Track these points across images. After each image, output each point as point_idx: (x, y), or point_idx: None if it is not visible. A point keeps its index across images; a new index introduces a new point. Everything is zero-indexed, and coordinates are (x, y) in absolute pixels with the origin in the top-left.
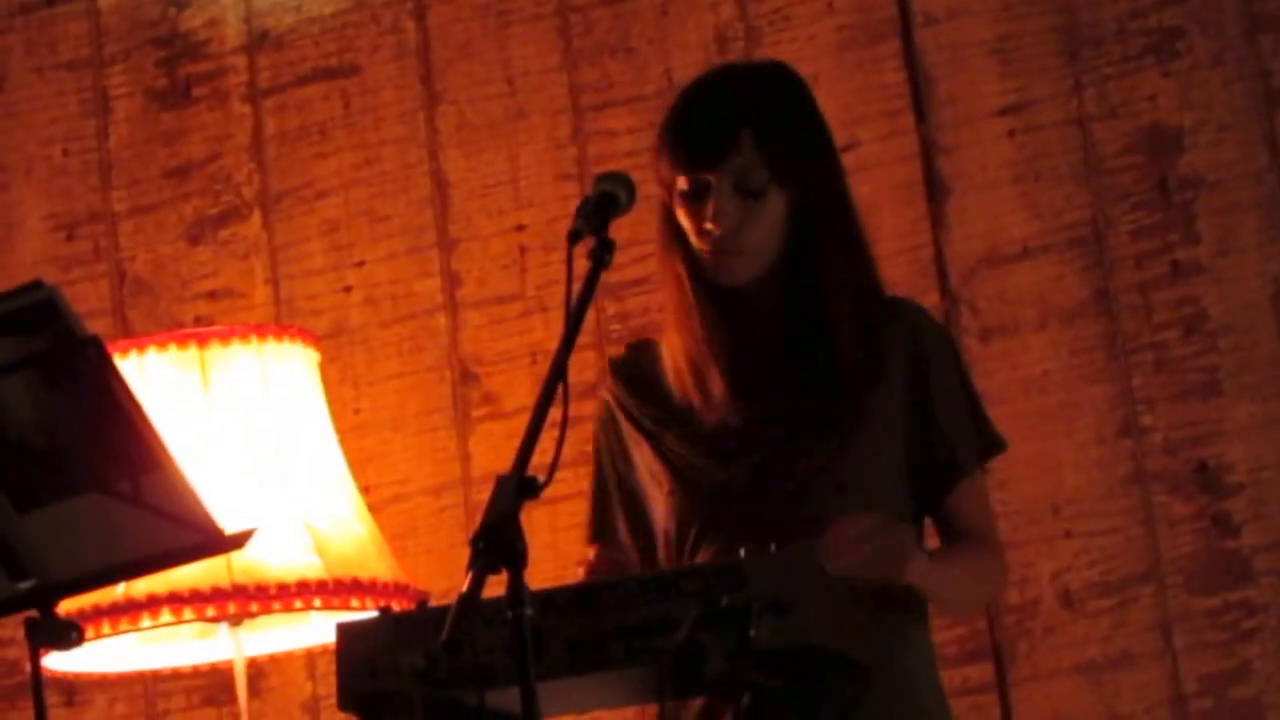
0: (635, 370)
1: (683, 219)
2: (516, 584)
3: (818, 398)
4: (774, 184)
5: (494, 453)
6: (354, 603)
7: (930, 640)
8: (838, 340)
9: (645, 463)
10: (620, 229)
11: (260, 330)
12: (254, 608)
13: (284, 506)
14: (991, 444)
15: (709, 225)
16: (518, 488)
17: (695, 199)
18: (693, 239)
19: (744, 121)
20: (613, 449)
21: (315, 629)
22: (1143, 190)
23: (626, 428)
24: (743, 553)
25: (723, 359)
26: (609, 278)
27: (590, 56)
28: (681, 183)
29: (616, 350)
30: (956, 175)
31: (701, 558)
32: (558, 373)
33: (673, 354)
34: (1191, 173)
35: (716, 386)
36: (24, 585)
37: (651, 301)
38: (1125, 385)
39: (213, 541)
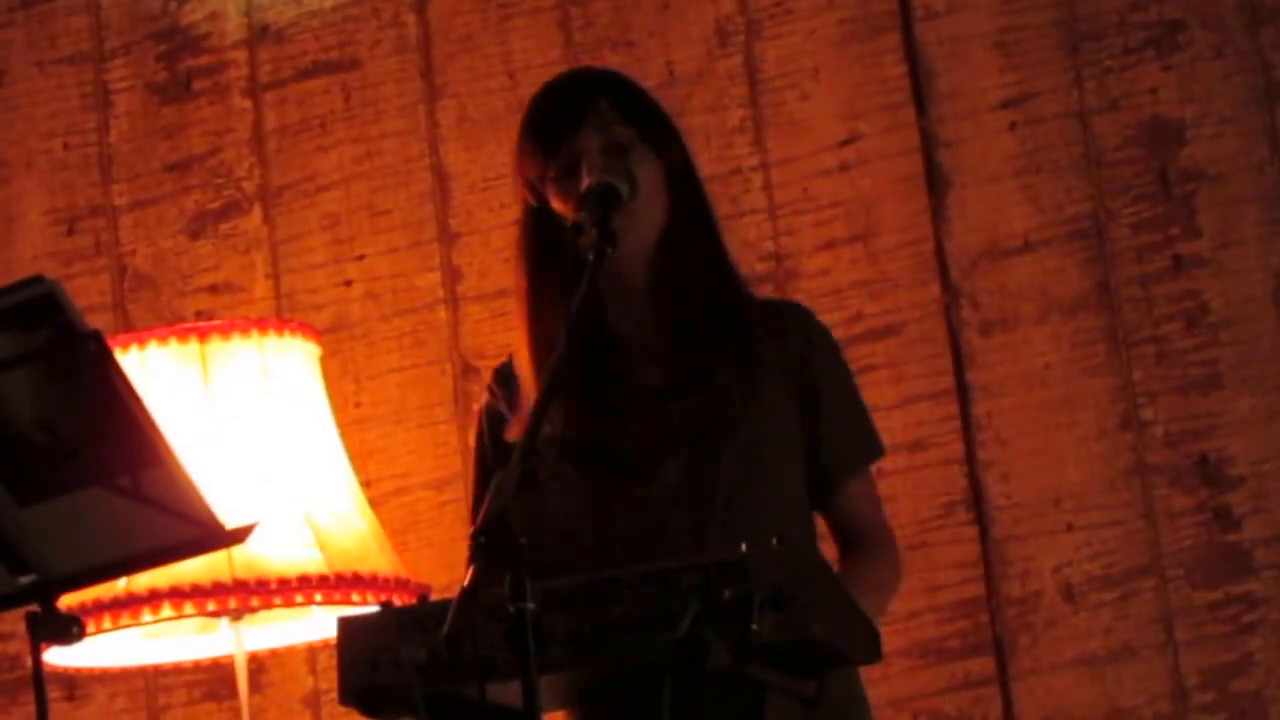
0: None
1: (561, 206)
2: (518, 578)
3: (721, 390)
4: (639, 140)
5: None
6: (355, 597)
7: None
8: (715, 308)
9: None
10: None
11: (261, 324)
12: (255, 602)
13: (285, 501)
14: (873, 448)
15: (584, 181)
16: (518, 482)
17: (568, 175)
18: (573, 217)
19: (596, 89)
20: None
21: (316, 624)
22: (1144, 183)
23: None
24: (744, 547)
25: (620, 352)
26: None
27: (591, 50)
28: (553, 171)
29: None
30: (957, 168)
31: (635, 559)
32: (559, 366)
33: (532, 375)
34: (1192, 166)
35: (622, 381)
36: (25, 580)
37: None
38: (1126, 378)
39: (213, 536)
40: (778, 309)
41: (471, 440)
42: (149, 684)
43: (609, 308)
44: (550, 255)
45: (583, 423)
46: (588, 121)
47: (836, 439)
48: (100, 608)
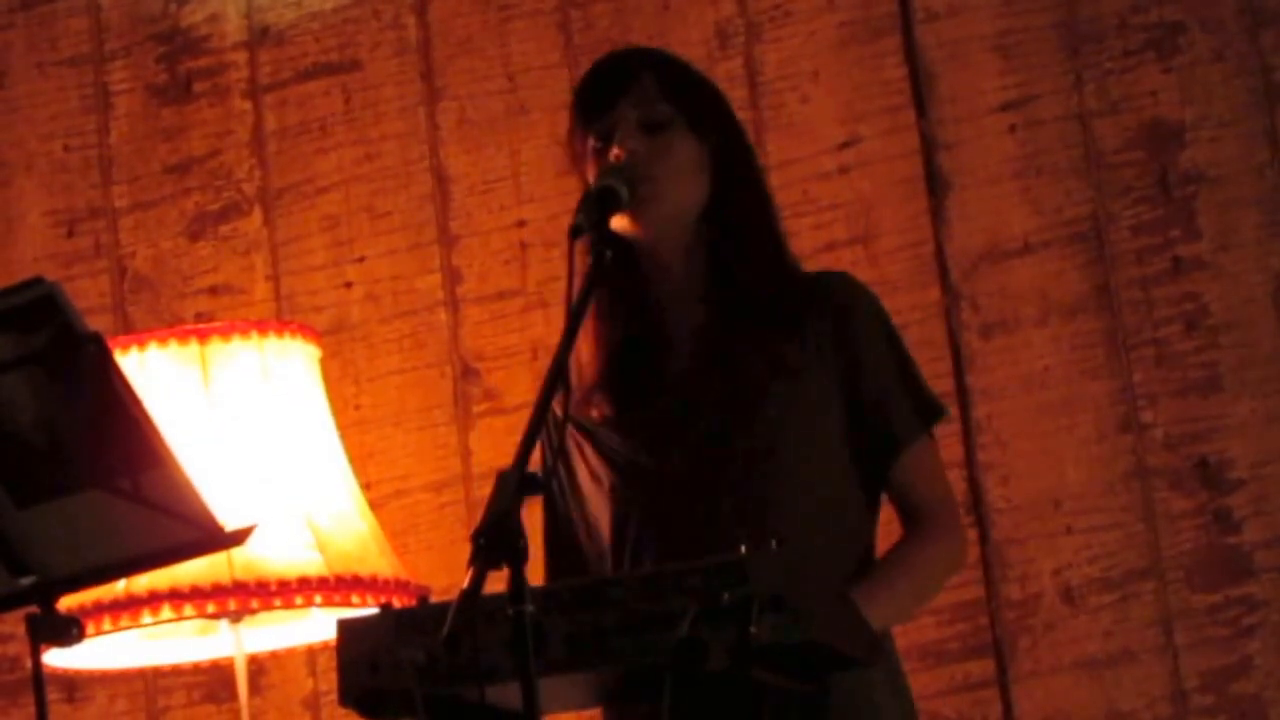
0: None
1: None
2: (517, 580)
3: (743, 370)
4: (680, 121)
5: (495, 448)
6: (355, 599)
7: (895, 652)
8: (752, 286)
9: (586, 462)
10: None
11: (261, 326)
12: (255, 604)
13: (285, 503)
14: (930, 411)
15: (613, 151)
16: (518, 483)
17: (604, 143)
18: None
19: (642, 64)
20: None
21: (316, 625)
22: (1144, 186)
23: (569, 431)
24: (743, 549)
25: (662, 340)
26: None
27: (591, 52)
28: (592, 142)
29: None
30: (957, 171)
31: (645, 553)
32: (558, 369)
33: (593, 349)
34: (1192, 168)
35: (657, 369)
36: (25, 581)
37: None
38: (1126, 381)
39: (213, 538)
40: (820, 283)
41: (473, 441)
42: (149, 685)
43: (653, 293)
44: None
45: (609, 410)
46: (628, 95)
47: (882, 410)
48: (100, 609)
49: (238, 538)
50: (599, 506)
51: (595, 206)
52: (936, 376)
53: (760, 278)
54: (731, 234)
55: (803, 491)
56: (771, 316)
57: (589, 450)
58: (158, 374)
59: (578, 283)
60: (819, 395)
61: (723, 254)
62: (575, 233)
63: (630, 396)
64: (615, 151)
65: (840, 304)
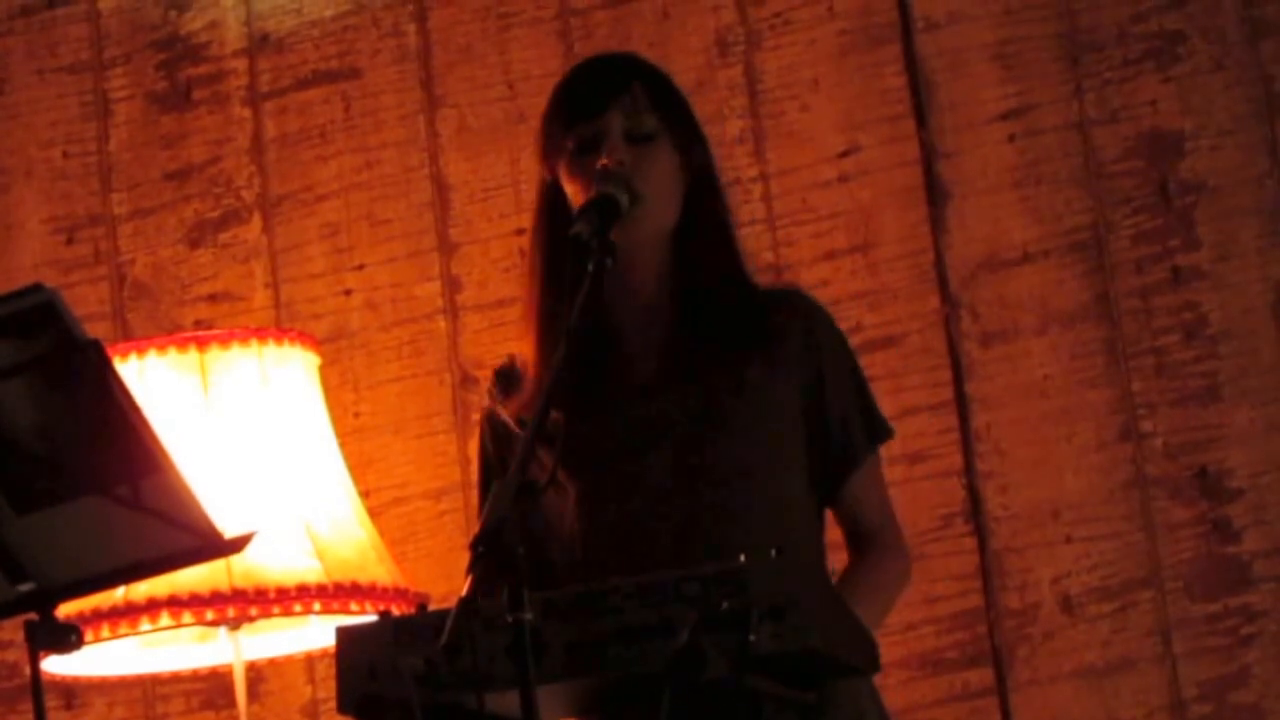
0: (518, 379)
1: (571, 186)
2: (515, 587)
3: (713, 384)
4: (665, 133)
5: None
6: (353, 606)
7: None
8: (722, 303)
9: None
10: None
11: (260, 334)
12: (253, 611)
13: (284, 510)
14: (880, 430)
15: (602, 160)
16: (517, 492)
17: (586, 152)
18: (582, 198)
19: (633, 73)
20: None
21: (315, 633)
22: (1143, 195)
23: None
24: (743, 557)
25: (619, 351)
26: None
27: None
28: (571, 143)
29: None
30: (957, 180)
31: (612, 560)
32: (558, 376)
33: (543, 357)
34: (1192, 178)
35: (615, 379)
36: (23, 588)
37: None
38: (1125, 390)
39: (212, 545)
40: (779, 298)
41: (472, 449)
42: (147, 693)
43: (612, 303)
44: (563, 236)
45: (572, 422)
46: (618, 102)
47: (843, 427)
48: (99, 616)
49: (237, 545)
50: (560, 513)
51: (597, 214)
52: (936, 385)
53: (726, 295)
54: (699, 250)
55: (770, 503)
56: (737, 333)
57: (546, 457)
58: (157, 381)
59: (580, 292)
60: (784, 410)
61: (689, 270)
62: (576, 240)
63: (587, 405)
64: (604, 160)
65: (802, 321)
